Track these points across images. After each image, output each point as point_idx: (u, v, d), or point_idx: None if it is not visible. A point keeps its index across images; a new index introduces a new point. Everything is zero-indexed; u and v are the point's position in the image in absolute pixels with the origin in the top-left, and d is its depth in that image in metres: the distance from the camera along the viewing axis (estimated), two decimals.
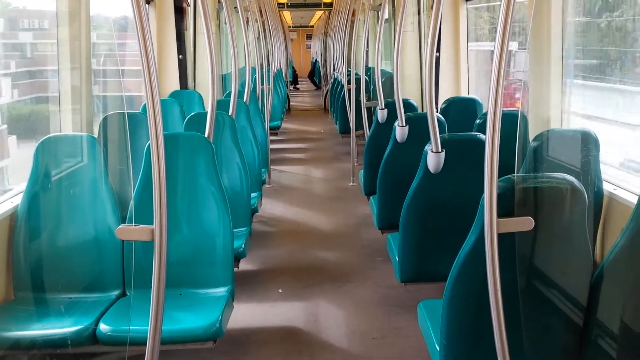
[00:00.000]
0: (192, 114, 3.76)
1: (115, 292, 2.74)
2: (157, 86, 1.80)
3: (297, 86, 21.20)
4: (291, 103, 14.26)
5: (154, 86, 1.80)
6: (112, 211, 2.71)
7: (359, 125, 6.54)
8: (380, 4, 5.74)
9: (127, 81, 4.82)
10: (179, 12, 5.50)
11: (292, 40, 23.65)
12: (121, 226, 1.86)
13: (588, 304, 1.97)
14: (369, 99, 6.24)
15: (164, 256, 1.82)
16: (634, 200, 2.71)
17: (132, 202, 2.47)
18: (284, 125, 10.94)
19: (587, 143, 2.77)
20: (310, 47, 26.50)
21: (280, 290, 3.78)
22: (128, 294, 2.74)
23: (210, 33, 3.18)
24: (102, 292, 2.73)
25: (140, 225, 1.83)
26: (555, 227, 1.95)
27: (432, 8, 3.40)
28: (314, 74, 21.32)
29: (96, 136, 3.19)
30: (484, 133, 1.78)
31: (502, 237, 1.79)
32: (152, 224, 1.81)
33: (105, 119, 3.38)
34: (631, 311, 1.98)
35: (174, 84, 5.56)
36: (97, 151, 2.77)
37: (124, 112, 3.11)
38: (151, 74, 1.79)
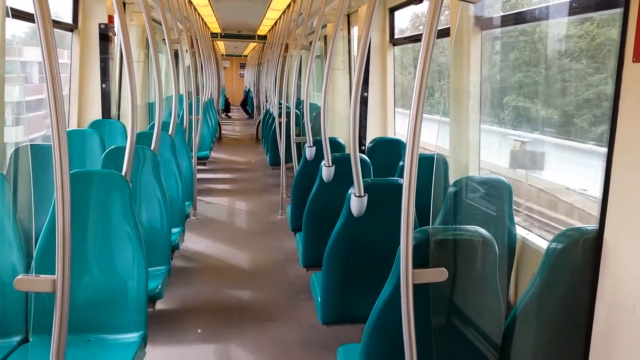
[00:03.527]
0: (111, 147, 3.60)
1: (17, 338, 2.54)
2: (63, 116, 1.63)
3: (229, 114, 21.09)
4: (222, 131, 14.13)
5: (60, 116, 1.60)
6: (18, 252, 2.53)
7: (289, 158, 6.53)
8: (311, 42, 5.84)
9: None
10: (105, 39, 5.34)
11: (225, 68, 23.58)
12: (20, 276, 1.73)
13: (502, 348, 2.03)
14: (299, 134, 6.26)
15: (65, 308, 1.70)
16: (543, 244, 2.85)
17: (35, 251, 2.30)
18: (214, 154, 10.79)
19: (501, 190, 2.89)
20: (243, 76, 26.51)
21: (199, 331, 3.66)
22: (31, 339, 2.55)
23: (132, 63, 3.07)
24: (3, 337, 2.53)
25: (41, 276, 1.71)
26: (468, 278, 2.00)
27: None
28: (246, 103, 21.31)
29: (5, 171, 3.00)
30: None
31: (418, 285, 1.81)
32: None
33: (16, 152, 3.18)
34: (541, 356, 2.06)
35: (96, 113, 5.35)
36: (5, 188, 2.59)
37: (27, 145, 2.93)
38: (57, 101, 1.59)
